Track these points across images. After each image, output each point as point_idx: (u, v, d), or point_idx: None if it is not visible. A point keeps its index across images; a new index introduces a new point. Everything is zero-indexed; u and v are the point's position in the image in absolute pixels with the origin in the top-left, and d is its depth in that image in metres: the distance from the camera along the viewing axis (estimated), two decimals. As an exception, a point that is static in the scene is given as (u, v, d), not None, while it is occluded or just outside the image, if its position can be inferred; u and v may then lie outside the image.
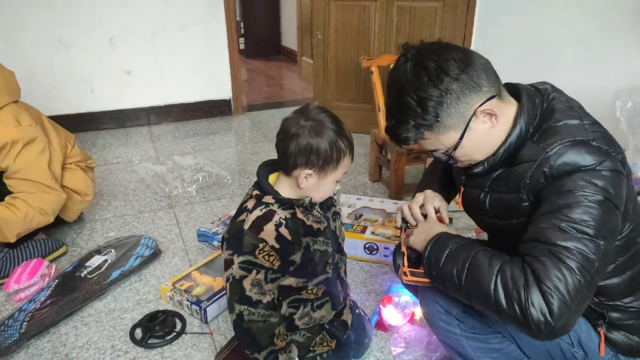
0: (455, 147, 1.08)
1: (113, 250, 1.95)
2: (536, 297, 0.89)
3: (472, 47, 2.92)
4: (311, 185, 1.21)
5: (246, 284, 1.17)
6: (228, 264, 1.19)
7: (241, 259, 1.17)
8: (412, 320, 1.60)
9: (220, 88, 3.73)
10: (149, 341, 1.55)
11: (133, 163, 2.92)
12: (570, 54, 2.46)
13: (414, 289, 1.37)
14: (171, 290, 1.71)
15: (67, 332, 1.61)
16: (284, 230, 1.18)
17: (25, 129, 1.75)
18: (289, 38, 5.89)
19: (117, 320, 1.66)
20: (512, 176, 1.07)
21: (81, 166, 2.05)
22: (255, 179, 1.29)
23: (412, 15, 2.96)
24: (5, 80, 1.79)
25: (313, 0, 3.20)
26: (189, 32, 3.48)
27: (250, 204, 1.22)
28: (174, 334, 1.57)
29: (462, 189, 1.24)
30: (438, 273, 1.07)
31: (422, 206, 1.32)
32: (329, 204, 1.36)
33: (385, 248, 1.92)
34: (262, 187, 1.25)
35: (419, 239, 1.18)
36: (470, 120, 1.05)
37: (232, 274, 1.18)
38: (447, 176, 1.41)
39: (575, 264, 0.91)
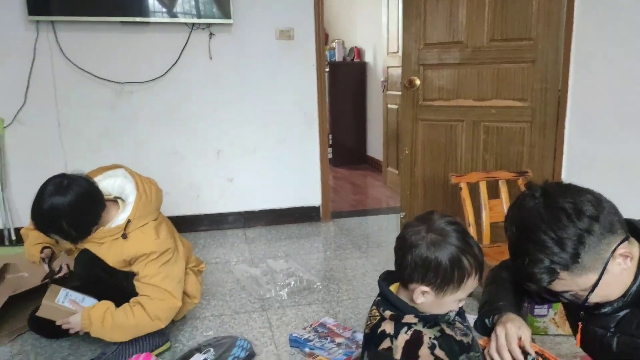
0: (593, 289, 1.06)
1: (212, 350, 2.07)
2: None
3: (564, 169, 2.90)
4: (428, 302, 1.11)
5: None
6: None
7: None
8: None
9: (310, 195, 4.00)
10: None
11: (230, 264, 3.14)
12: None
13: None
14: (265, 395, 1.77)
15: None
16: (439, 352, 1.07)
17: (162, 242, 1.96)
18: (374, 149, 6.21)
19: (214, 421, 1.73)
20: None
21: (194, 270, 2.25)
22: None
23: (499, 134, 3.07)
24: (156, 199, 2.06)
25: (400, 120, 3.44)
26: (286, 145, 3.85)
27: (388, 328, 1.11)
28: None
29: (580, 325, 1.19)
30: None
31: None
32: (461, 311, 1.22)
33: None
34: (396, 306, 1.13)
35: None
36: (607, 261, 1.04)
37: None
38: (516, 284, 1.31)
39: None
